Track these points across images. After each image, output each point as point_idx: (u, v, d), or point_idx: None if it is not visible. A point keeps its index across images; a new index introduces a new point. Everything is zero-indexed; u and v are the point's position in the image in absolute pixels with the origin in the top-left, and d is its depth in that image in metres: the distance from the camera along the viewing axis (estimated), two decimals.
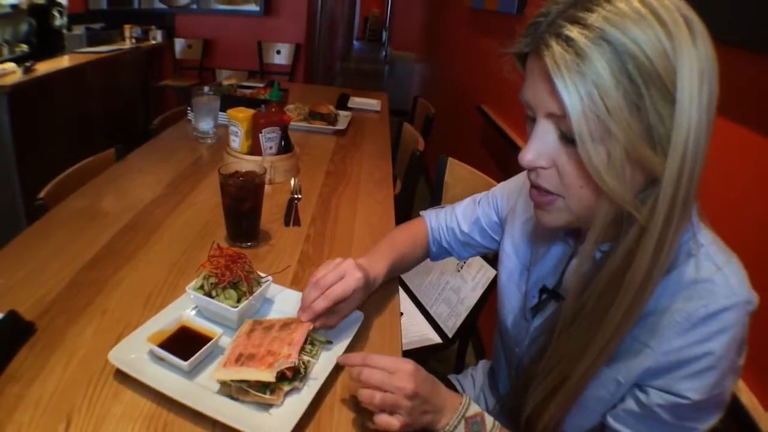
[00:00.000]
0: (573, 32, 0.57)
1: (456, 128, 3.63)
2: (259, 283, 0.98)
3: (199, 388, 0.81)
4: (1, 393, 0.78)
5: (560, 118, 0.61)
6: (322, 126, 2.26)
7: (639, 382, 0.67)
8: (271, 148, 1.66)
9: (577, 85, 0.57)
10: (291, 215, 1.38)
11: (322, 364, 0.87)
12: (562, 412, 0.73)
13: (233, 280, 0.93)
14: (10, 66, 2.87)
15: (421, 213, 1.19)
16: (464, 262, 1.70)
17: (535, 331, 0.85)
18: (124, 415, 0.76)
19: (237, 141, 1.70)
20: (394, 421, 0.73)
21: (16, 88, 2.69)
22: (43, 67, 3.11)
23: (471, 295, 1.66)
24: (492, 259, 1.57)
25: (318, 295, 0.87)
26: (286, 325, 0.88)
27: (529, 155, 0.65)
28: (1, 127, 2.67)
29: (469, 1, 3.37)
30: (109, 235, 1.24)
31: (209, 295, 0.93)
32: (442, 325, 1.71)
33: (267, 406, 0.79)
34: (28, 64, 2.96)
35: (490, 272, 1.64)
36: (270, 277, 1.00)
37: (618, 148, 0.58)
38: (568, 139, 0.62)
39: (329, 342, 0.92)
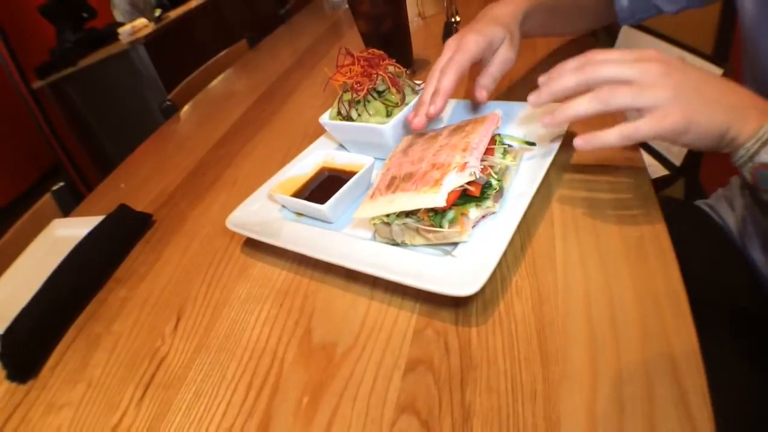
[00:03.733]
0: None
1: None
2: (414, 91, 0.66)
3: (350, 240, 0.54)
4: (104, 302, 0.62)
5: None
6: None
7: None
8: None
9: None
10: (452, 35, 1.01)
11: (525, 177, 0.53)
12: None
13: (375, 87, 0.63)
14: (140, 22, 2.87)
15: None
16: None
17: None
18: (250, 295, 0.54)
19: None
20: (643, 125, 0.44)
21: (151, 37, 2.75)
22: (175, 13, 3.10)
23: None
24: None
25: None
26: (459, 128, 0.56)
27: None
28: (148, 73, 2.77)
29: None
30: (240, 111, 1.06)
31: (349, 118, 0.65)
32: (665, 153, 1.25)
33: (449, 246, 0.48)
34: (157, 15, 2.93)
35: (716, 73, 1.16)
36: None
37: None
38: None
39: (530, 144, 0.56)
